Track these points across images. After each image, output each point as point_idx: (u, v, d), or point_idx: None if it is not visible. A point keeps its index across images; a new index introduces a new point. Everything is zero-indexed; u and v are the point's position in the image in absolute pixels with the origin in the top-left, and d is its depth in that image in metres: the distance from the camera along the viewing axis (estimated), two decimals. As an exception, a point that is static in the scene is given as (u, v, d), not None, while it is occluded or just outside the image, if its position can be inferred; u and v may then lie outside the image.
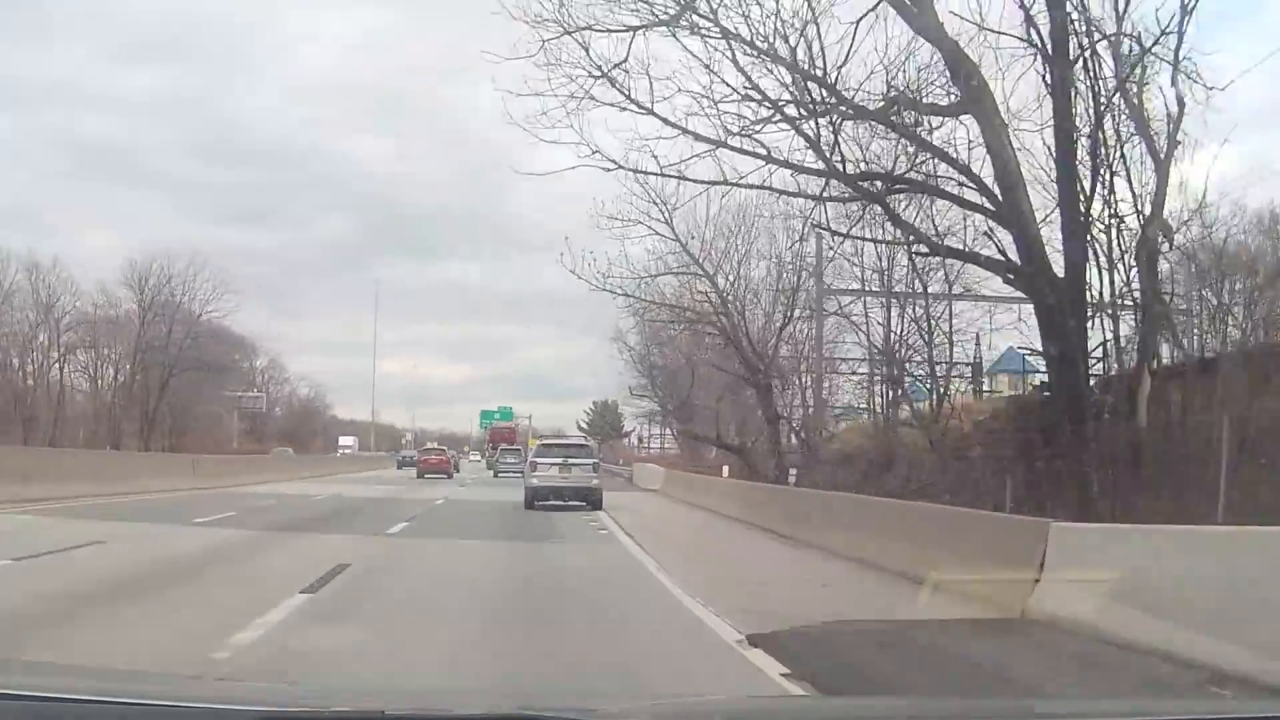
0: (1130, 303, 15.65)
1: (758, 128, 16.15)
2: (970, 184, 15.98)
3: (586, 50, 15.76)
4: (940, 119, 16.18)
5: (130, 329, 63.47)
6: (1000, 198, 14.99)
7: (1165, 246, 15.69)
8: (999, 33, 14.68)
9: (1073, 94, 14.57)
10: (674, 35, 15.85)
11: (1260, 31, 48.33)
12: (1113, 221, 15.04)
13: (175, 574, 10.42)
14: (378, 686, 5.55)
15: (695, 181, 18.39)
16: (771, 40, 15.44)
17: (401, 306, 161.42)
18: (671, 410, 31.55)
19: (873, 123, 16.54)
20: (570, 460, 23.87)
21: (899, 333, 25.90)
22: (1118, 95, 14.74)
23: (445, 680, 6.09)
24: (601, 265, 24.52)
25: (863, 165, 16.92)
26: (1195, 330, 18.31)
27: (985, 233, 16.31)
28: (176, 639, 6.97)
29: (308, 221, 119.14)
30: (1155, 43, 14.13)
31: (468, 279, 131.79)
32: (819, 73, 15.45)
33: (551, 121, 16.26)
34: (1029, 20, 14.51)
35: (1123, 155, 14.92)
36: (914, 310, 25.21)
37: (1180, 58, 13.98)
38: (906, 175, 16.90)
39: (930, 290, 24.36)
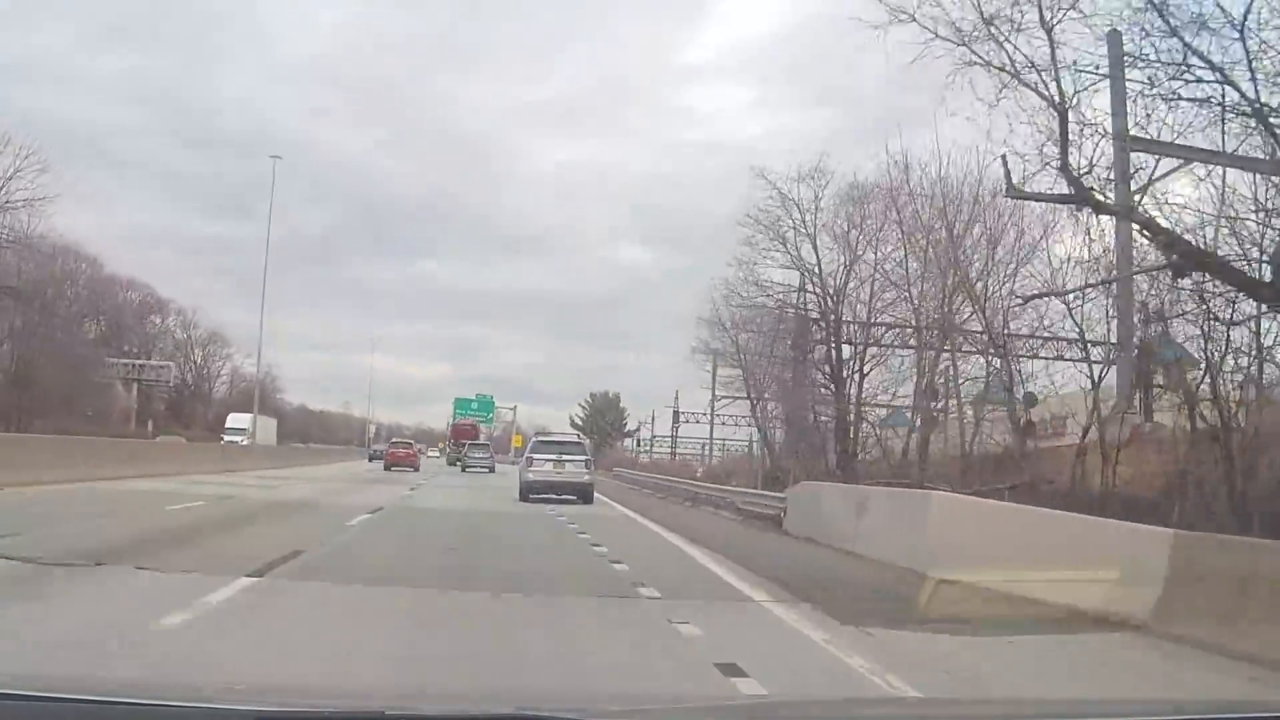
0: None
1: None
2: None
3: None
4: None
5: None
6: None
7: None
8: None
9: None
10: None
11: None
12: None
13: None
14: (378, 687, 5.18)
15: None
16: None
17: (384, 303, 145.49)
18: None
19: None
20: (565, 456, 23.93)
21: None
22: None
23: (445, 680, 5.53)
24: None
25: None
26: None
27: None
28: None
29: (287, 214, 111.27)
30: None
31: (451, 277, 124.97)
32: None
33: None
34: None
35: None
36: None
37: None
38: None
39: None
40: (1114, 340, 17.82)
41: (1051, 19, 11.81)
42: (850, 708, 3.75)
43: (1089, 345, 18.94)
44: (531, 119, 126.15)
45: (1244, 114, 11.39)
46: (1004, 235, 22.95)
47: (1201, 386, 13.76)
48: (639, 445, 79.57)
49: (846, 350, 28.38)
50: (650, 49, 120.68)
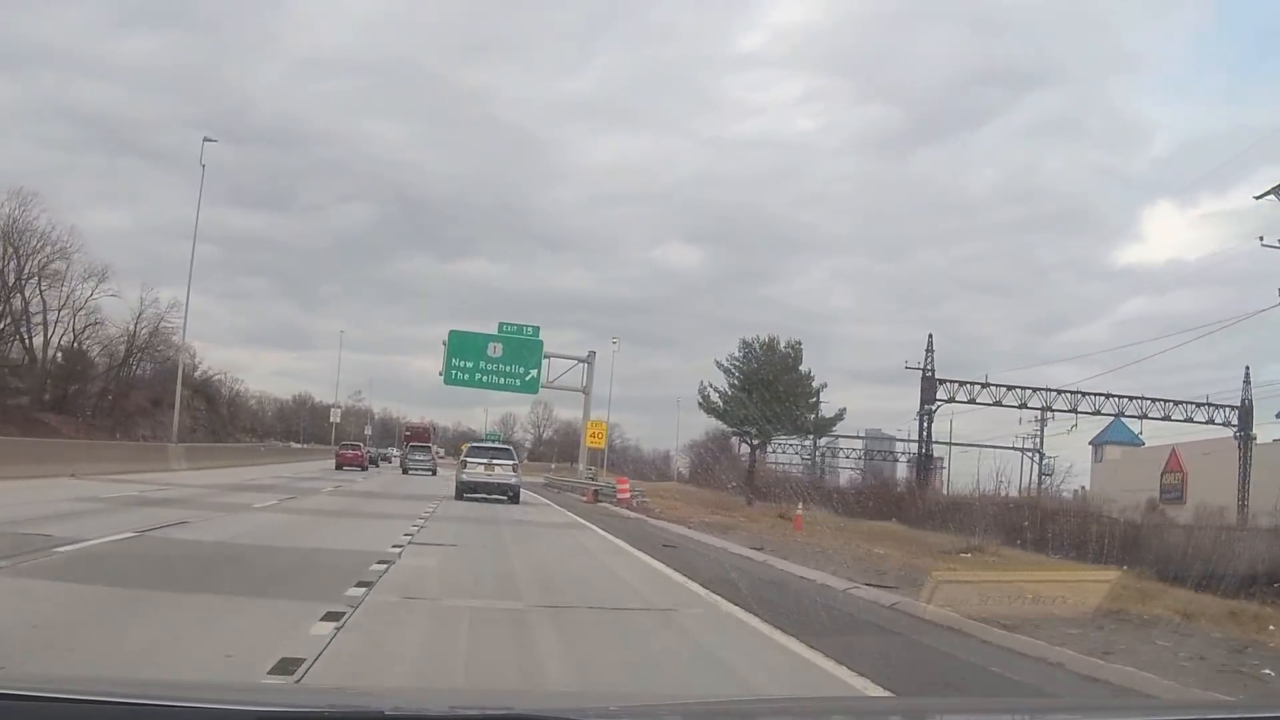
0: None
1: None
2: None
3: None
4: None
5: None
6: None
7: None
8: None
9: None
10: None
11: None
12: None
13: None
14: (378, 687, 5.27)
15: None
16: None
17: (426, 304, 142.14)
18: None
19: None
20: (494, 461, 27.55)
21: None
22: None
23: (445, 680, 5.64)
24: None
25: None
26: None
27: None
28: None
29: (324, 209, 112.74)
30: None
31: (492, 277, 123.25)
32: None
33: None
34: None
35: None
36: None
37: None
38: None
39: None
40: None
41: None
42: (846, 707, 3.80)
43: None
44: (573, 112, 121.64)
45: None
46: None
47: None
48: (806, 447, 50.02)
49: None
50: (699, 41, 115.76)
